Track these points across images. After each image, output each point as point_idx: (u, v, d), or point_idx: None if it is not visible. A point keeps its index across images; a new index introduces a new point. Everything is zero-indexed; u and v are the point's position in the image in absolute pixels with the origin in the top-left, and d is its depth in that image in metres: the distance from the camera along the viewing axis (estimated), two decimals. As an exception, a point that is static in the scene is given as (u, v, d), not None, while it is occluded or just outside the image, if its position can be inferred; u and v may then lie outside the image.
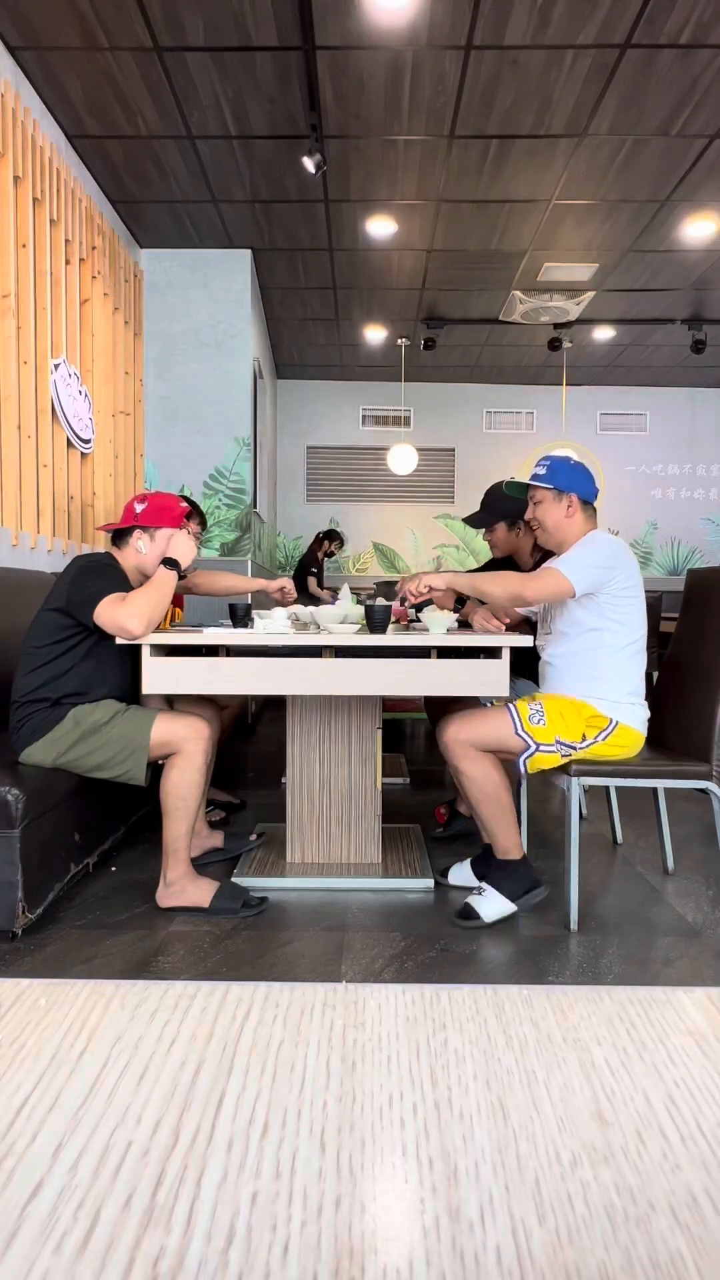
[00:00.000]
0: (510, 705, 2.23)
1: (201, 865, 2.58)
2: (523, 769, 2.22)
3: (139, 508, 2.40)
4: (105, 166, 4.21)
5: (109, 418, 4.48)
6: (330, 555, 7.36)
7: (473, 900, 2.24)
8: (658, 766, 2.27)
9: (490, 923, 2.22)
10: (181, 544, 2.38)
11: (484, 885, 2.26)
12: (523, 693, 2.66)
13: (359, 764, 2.63)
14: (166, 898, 2.30)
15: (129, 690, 2.43)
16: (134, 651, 2.29)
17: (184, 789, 2.24)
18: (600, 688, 2.25)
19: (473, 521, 3.02)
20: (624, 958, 2.07)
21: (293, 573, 7.24)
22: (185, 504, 2.47)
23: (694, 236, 4.98)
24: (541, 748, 2.18)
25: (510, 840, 2.25)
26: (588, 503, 2.38)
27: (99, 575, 2.28)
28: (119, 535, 2.45)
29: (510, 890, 2.23)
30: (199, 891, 2.28)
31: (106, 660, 2.34)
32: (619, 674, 2.26)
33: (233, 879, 2.50)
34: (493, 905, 2.22)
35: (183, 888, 2.29)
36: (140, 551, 2.40)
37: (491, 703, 2.58)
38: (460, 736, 2.20)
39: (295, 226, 4.90)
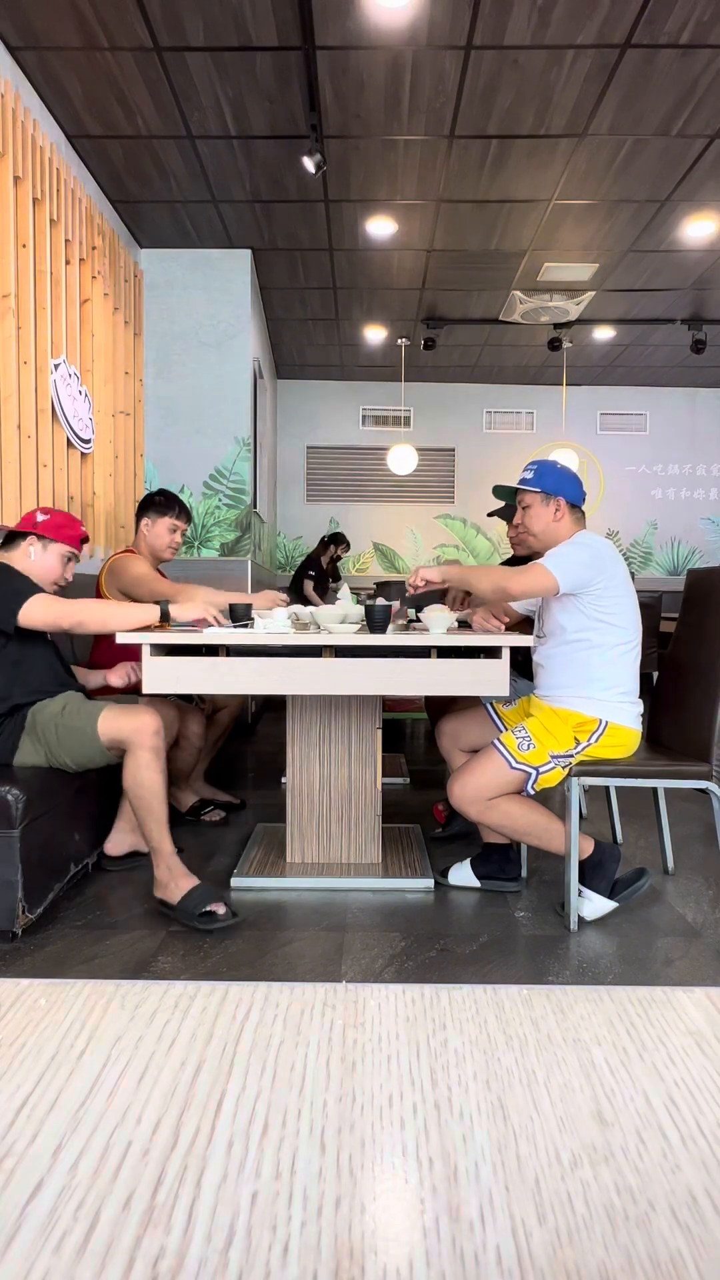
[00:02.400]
0: (496, 741, 2.25)
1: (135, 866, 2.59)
2: (530, 792, 2.23)
3: (40, 518, 2.47)
4: (105, 166, 4.21)
5: (109, 418, 4.48)
6: (338, 559, 7.25)
7: (575, 905, 2.24)
8: (657, 766, 2.27)
9: (591, 920, 2.27)
10: (191, 612, 2.35)
11: (581, 888, 2.26)
12: (523, 692, 2.66)
13: (359, 764, 2.63)
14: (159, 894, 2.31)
15: (69, 677, 2.50)
16: (50, 643, 2.42)
17: (140, 788, 2.23)
18: (590, 687, 2.26)
19: (505, 514, 2.91)
20: (624, 958, 2.07)
21: (293, 573, 7.18)
22: (83, 531, 2.54)
23: (694, 236, 4.97)
24: (541, 770, 2.20)
25: (567, 845, 2.23)
26: (575, 506, 2.38)
27: (4, 581, 2.29)
28: (11, 538, 2.47)
29: (602, 885, 2.26)
30: (177, 889, 2.25)
31: (34, 658, 2.37)
32: (609, 674, 2.25)
33: (232, 879, 2.50)
34: (594, 905, 2.26)
35: (164, 885, 2.28)
36: (30, 558, 2.43)
37: (491, 703, 2.58)
38: (467, 795, 2.23)
39: (295, 226, 4.90)
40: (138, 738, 2.23)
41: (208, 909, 2.18)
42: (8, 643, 2.30)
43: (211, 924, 2.16)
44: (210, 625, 2.35)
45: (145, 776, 2.22)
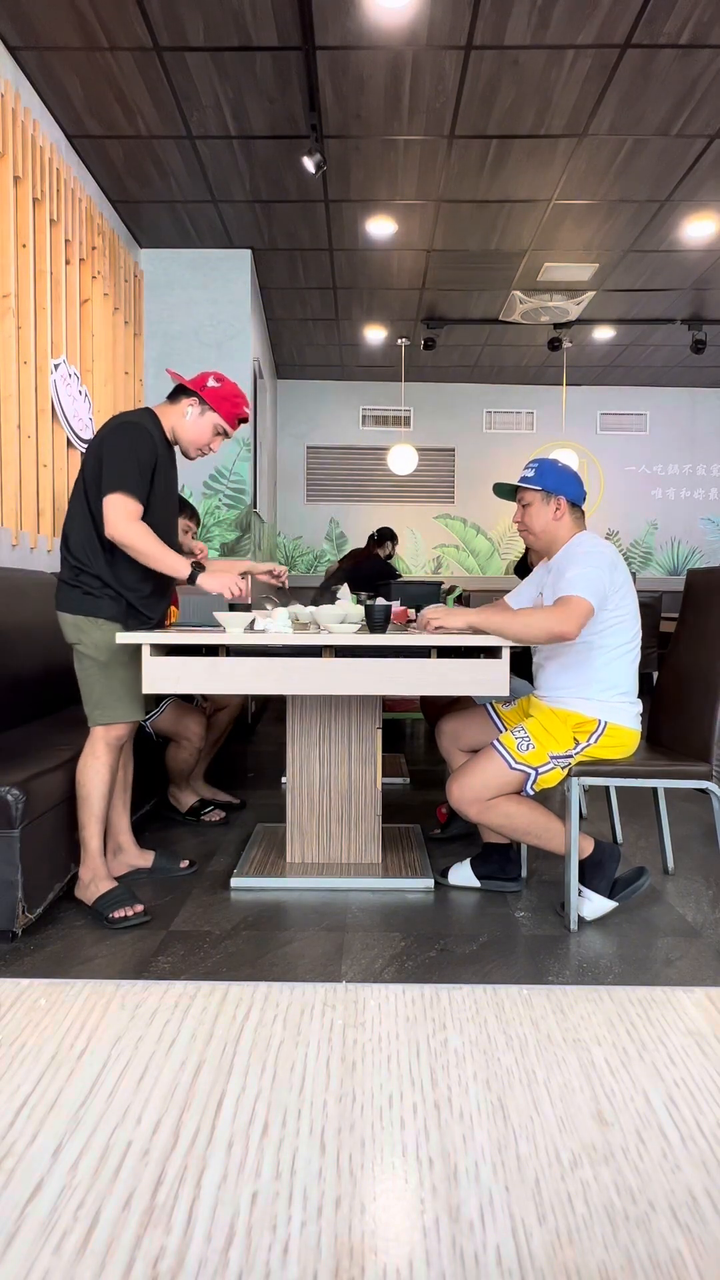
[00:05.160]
0: (495, 742, 2.24)
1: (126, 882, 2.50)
2: (529, 792, 2.23)
3: (212, 383, 2.39)
4: (105, 166, 4.21)
5: (109, 418, 4.48)
6: (390, 557, 6.26)
7: (575, 904, 2.24)
8: (658, 766, 2.27)
9: (591, 919, 2.26)
10: (215, 583, 2.33)
11: (581, 888, 2.25)
12: (521, 692, 2.66)
13: (359, 764, 2.63)
14: (78, 893, 2.32)
15: (164, 591, 2.42)
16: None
17: (83, 786, 2.27)
18: (590, 689, 2.25)
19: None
20: (624, 958, 2.07)
21: (341, 581, 5.87)
22: (243, 412, 2.47)
23: (694, 236, 4.98)
24: (540, 771, 2.19)
25: (567, 845, 2.22)
26: (576, 505, 2.37)
27: (129, 444, 2.26)
28: (179, 390, 2.42)
29: (602, 885, 2.25)
30: (95, 890, 2.28)
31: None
32: (609, 675, 2.25)
33: (232, 879, 2.51)
34: (594, 905, 2.25)
35: (85, 885, 2.30)
36: (185, 416, 2.39)
37: (491, 703, 2.58)
38: (466, 796, 2.22)
39: (295, 226, 4.90)
40: (100, 741, 2.27)
41: (113, 914, 2.21)
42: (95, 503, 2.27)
43: (117, 924, 2.21)
44: (234, 596, 2.38)
45: (86, 775, 2.26)
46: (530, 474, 2.36)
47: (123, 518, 2.20)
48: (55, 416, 3.71)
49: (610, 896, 2.25)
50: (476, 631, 2.21)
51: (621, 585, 2.24)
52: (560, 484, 2.34)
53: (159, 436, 2.36)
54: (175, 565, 2.25)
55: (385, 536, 6.15)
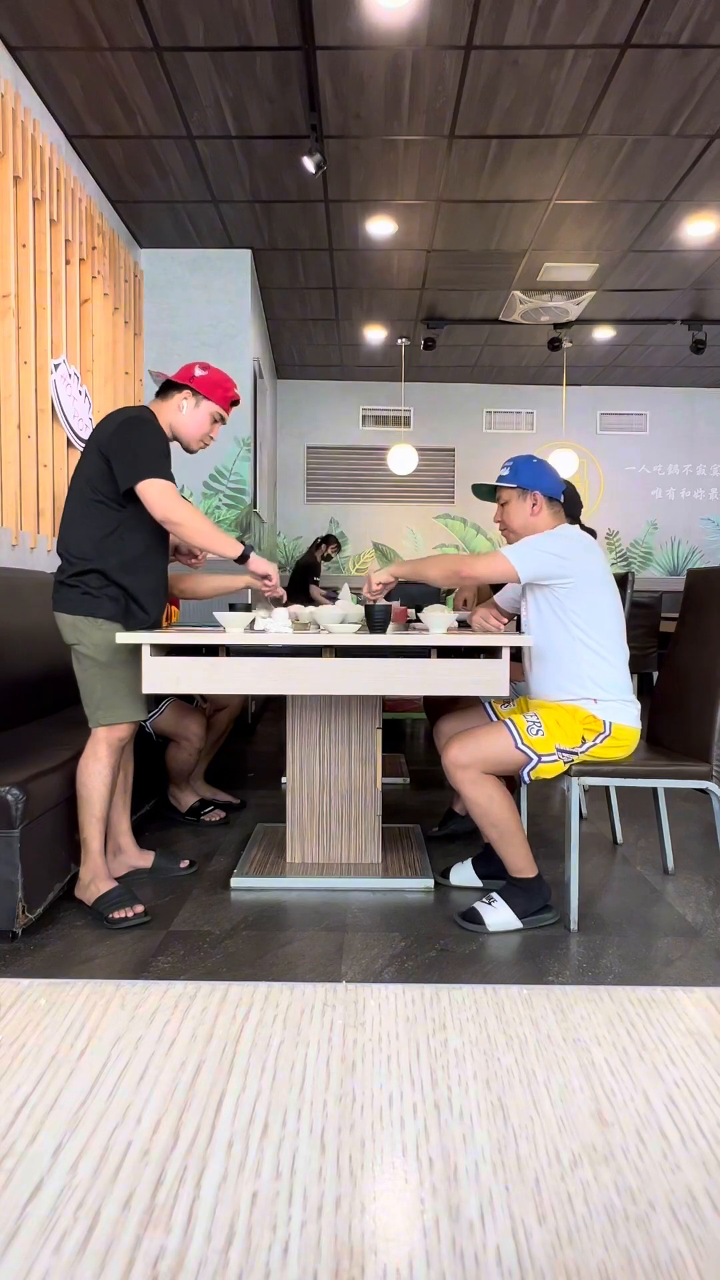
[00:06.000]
0: (507, 720, 2.22)
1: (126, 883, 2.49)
2: (525, 779, 2.21)
3: (199, 373, 2.40)
4: (105, 166, 4.21)
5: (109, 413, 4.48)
6: (328, 559, 7.43)
7: (480, 906, 2.24)
8: (658, 766, 2.27)
9: (492, 932, 2.21)
10: (265, 565, 2.42)
11: (495, 895, 2.25)
12: (519, 693, 2.66)
13: (359, 764, 2.63)
14: (78, 894, 2.32)
15: (163, 590, 2.42)
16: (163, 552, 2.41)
17: (85, 788, 2.26)
18: (587, 690, 2.25)
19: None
20: (624, 958, 2.07)
21: (289, 574, 7.28)
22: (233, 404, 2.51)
23: (694, 236, 4.98)
24: (544, 759, 2.17)
25: (521, 860, 2.23)
26: (554, 499, 2.38)
27: (148, 435, 2.26)
28: (167, 387, 2.43)
29: (519, 907, 2.22)
30: (95, 890, 2.29)
31: (142, 543, 2.32)
32: (602, 676, 2.24)
33: (232, 879, 2.51)
34: (499, 916, 2.21)
35: (84, 885, 2.31)
36: (180, 410, 2.40)
37: (490, 702, 2.58)
38: (461, 760, 2.18)
39: (295, 226, 4.90)
40: (101, 743, 2.27)
41: (113, 914, 2.22)
42: (120, 508, 2.26)
43: (117, 925, 2.21)
44: (273, 582, 2.45)
45: (88, 778, 2.26)
46: (506, 472, 2.39)
47: (170, 497, 2.22)
48: (55, 416, 3.71)
49: (520, 919, 2.22)
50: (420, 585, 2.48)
51: (587, 578, 2.22)
52: (534, 479, 2.35)
53: (164, 436, 2.38)
54: (228, 544, 2.31)
55: (324, 540, 7.41)
